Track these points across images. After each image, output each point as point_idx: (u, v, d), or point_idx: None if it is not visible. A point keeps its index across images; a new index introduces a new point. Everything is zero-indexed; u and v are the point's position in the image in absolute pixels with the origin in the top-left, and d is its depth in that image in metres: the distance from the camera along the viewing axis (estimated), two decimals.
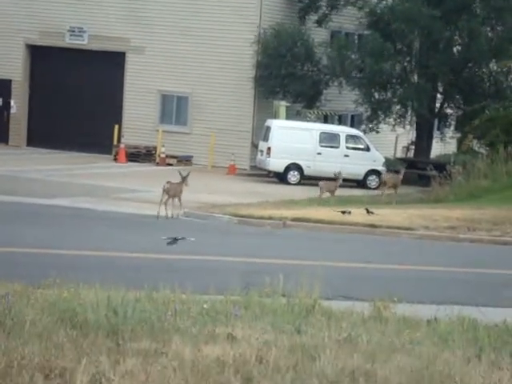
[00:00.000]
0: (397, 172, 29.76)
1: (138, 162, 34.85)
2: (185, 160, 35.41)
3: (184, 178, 22.56)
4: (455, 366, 7.03)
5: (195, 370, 6.77)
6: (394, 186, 28.57)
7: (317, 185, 27.42)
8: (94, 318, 7.88)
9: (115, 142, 35.76)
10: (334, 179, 27.78)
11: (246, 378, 6.72)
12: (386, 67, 34.05)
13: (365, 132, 35.08)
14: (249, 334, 7.95)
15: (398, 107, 36.01)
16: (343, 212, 21.77)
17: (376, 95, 35.68)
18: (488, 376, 6.88)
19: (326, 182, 27.48)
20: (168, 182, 22.35)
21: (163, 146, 34.97)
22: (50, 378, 6.48)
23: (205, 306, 9.29)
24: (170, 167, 34.38)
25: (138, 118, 36.51)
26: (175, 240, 17.74)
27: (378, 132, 35.79)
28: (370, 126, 35.54)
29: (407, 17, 33.75)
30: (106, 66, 36.87)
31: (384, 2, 35.37)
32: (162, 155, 34.87)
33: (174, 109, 36.54)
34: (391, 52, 34.66)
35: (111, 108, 36.59)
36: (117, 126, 36.18)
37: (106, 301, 8.52)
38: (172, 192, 22.09)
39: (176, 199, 22.12)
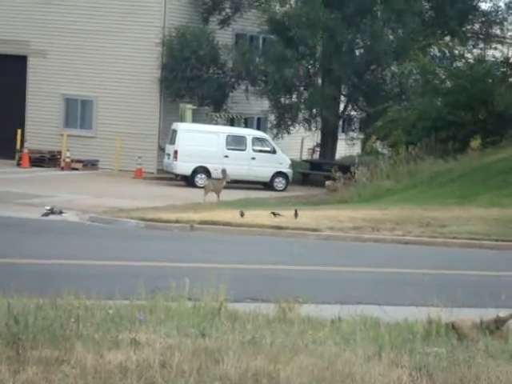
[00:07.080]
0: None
1: (43, 166, 34.34)
2: (91, 164, 35.05)
3: (223, 175, 27.27)
4: (355, 365, 7.13)
5: (97, 376, 6.71)
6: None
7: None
8: None
9: (18, 147, 35.16)
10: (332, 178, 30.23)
11: (149, 383, 6.70)
12: (288, 73, 34.15)
13: (275, 137, 35.35)
14: (153, 339, 7.91)
15: (304, 111, 36.36)
16: (242, 214, 21.57)
17: (282, 100, 35.91)
18: (387, 374, 7.00)
19: (332, 182, 29.90)
20: (209, 179, 27.83)
21: (68, 150, 34.54)
22: None
23: (109, 311, 9.19)
24: (76, 171, 34.00)
25: (41, 123, 35.98)
26: (51, 212, 21.28)
27: (289, 133, 36.16)
28: (278, 131, 35.84)
29: (306, 22, 33.89)
30: (7, 70, 36.21)
31: (283, 8, 35.50)
32: (67, 160, 34.44)
33: (78, 112, 36.12)
34: (293, 58, 34.69)
35: (13, 112, 35.97)
36: (19, 131, 35.57)
37: (6, 309, 8.35)
38: (212, 187, 26.66)
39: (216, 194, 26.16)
